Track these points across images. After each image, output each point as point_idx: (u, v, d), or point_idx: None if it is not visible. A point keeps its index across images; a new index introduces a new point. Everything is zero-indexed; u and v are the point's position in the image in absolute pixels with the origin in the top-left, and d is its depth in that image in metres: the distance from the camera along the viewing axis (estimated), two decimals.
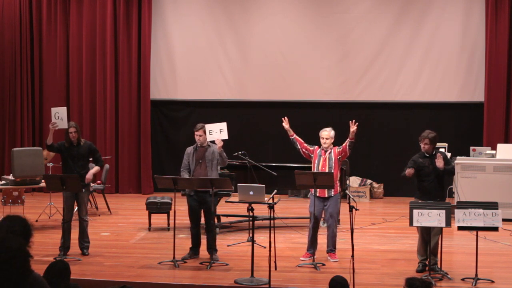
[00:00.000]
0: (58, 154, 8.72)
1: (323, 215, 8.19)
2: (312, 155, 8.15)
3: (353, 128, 7.97)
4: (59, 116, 8.16)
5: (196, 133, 8.18)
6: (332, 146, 8.16)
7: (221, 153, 8.10)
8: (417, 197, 7.67)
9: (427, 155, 7.66)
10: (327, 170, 7.94)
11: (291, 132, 8.29)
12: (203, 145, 8.18)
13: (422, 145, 7.69)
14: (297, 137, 8.30)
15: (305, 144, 8.23)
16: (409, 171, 7.56)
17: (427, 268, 7.37)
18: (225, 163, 8.28)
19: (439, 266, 7.41)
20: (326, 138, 8.10)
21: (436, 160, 7.50)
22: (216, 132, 8.04)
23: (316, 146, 8.20)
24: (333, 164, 8.01)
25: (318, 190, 7.98)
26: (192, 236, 8.30)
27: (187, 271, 7.66)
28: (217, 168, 8.29)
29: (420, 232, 7.55)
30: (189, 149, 8.29)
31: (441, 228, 7.30)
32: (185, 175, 8.13)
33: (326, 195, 8.00)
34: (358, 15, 12.99)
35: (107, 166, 11.77)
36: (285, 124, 8.31)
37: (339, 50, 13.09)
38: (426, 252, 7.48)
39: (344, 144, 8.05)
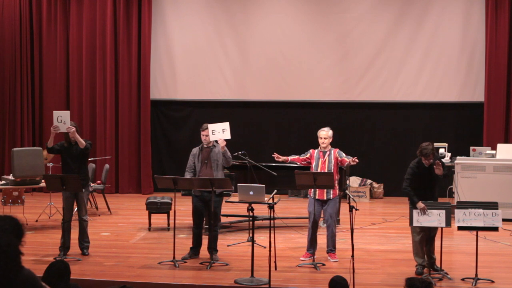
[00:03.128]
0: (58, 154, 8.70)
1: (322, 215, 8.18)
2: (310, 160, 8.12)
3: (354, 162, 7.88)
4: (61, 119, 8.15)
5: (202, 133, 8.18)
6: (330, 146, 8.12)
7: (225, 152, 8.11)
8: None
9: (426, 166, 7.54)
10: None
11: (286, 158, 8.21)
12: (209, 146, 8.18)
13: (426, 161, 7.43)
14: (293, 157, 8.22)
15: (301, 157, 8.17)
16: (422, 207, 7.24)
17: (425, 270, 7.37)
18: (229, 163, 8.27)
19: (438, 265, 7.41)
20: (325, 138, 8.07)
21: (435, 167, 7.38)
22: (219, 132, 8.04)
23: (311, 150, 8.16)
24: (332, 167, 7.98)
25: (317, 193, 7.97)
26: (193, 236, 8.29)
27: (187, 271, 7.66)
28: (222, 168, 8.30)
29: (420, 233, 7.49)
30: (195, 150, 8.29)
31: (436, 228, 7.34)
32: (187, 176, 8.12)
33: (325, 198, 7.99)
34: (358, 15, 12.99)
35: (107, 166, 11.78)
36: (278, 158, 8.21)
37: (339, 50, 13.09)
38: (424, 254, 7.47)
39: (345, 158, 7.95)
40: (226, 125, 8.07)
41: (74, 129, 8.16)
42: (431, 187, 7.48)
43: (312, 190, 7.98)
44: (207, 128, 8.13)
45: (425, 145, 7.41)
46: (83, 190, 8.26)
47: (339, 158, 8.02)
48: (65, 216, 8.25)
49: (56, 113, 8.23)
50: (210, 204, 8.06)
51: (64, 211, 8.28)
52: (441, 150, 11.15)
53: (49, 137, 8.27)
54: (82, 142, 8.16)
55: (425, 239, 7.47)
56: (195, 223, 8.26)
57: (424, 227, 7.35)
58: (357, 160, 7.82)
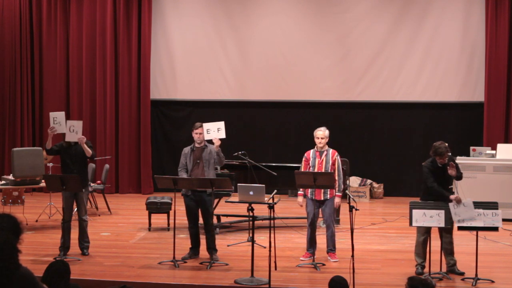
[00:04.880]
0: (57, 155, 8.70)
1: (320, 215, 8.17)
2: (309, 162, 8.07)
3: (336, 205, 8.01)
4: (57, 120, 8.16)
5: (195, 131, 8.15)
6: (327, 146, 8.10)
7: (219, 152, 8.08)
8: (423, 198, 7.56)
9: (440, 165, 7.52)
10: None
11: (300, 194, 8.13)
12: (200, 145, 8.17)
13: (441, 160, 7.41)
14: (301, 189, 8.11)
15: (304, 168, 8.08)
16: (455, 198, 7.25)
17: (424, 271, 7.35)
18: (222, 162, 8.27)
19: (439, 267, 7.41)
20: (321, 138, 8.05)
21: (448, 168, 7.36)
22: (214, 131, 8.02)
23: (305, 154, 8.12)
24: (329, 168, 7.97)
25: (314, 192, 7.97)
26: (191, 236, 8.30)
27: (187, 271, 7.66)
28: (214, 168, 8.29)
29: (423, 233, 7.47)
30: (186, 150, 8.27)
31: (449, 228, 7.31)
32: (183, 175, 8.12)
33: (322, 198, 7.98)
34: (358, 14, 12.99)
35: (107, 166, 11.78)
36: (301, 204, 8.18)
37: (339, 50, 13.09)
38: (425, 255, 7.44)
39: (336, 181, 7.87)
40: (221, 124, 8.04)
41: (84, 139, 8.18)
42: (444, 188, 7.44)
43: (309, 190, 7.97)
44: (200, 127, 8.11)
45: (438, 145, 7.39)
46: (83, 190, 8.26)
47: (334, 167, 7.97)
48: (65, 216, 8.25)
49: (51, 115, 8.25)
50: (203, 203, 8.06)
51: (64, 211, 8.28)
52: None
53: (48, 138, 8.29)
54: (89, 151, 8.23)
55: (428, 241, 7.41)
56: (190, 222, 8.25)
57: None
58: (338, 204, 8.02)
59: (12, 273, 3.32)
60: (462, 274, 7.38)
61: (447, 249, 7.49)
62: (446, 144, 7.47)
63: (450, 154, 7.65)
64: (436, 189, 7.37)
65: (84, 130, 13.04)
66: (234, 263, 7.91)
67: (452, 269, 7.47)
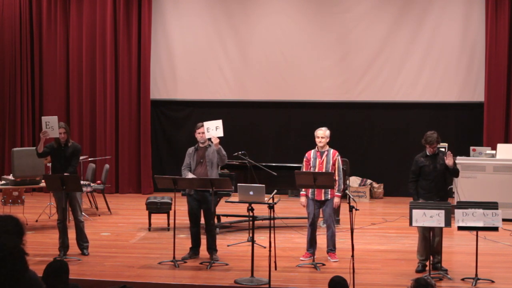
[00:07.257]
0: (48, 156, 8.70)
1: (321, 215, 8.17)
2: (309, 162, 8.07)
3: (335, 205, 7.98)
4: (49, 125, 8.15)
5: (198, 131, 8.17)
6: (328, 146, 8.09)
7: (219, 150, 8.08)
8: (419, 195, 7.61)
9: (429, 154, 7.64)
10: None
11: (303, 195, 8.04)
12: (204, 145, 8.18)
13: (430, 149, 7.57)
14: (304, 190, 8.06)
15: (305, 168, 8.08)
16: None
17: (426, 268, 7.37)
18: (223, 161, 8.26)
19: (443, 265, 7.41)
20: (322, 137, 8.04)
21: (446, 157, 7.45)
22: (212, 129, 8.03)
23: (306, 154, 8.14)
24: (330, 168, 7.97)
25: (315, 193, 7.97)
26: (191, 236, 8.29)
27: (187, 271, 7.66)
28: (217, 167, 8.29)
29: (422, 232, 7.53)
30: (190, 150, 8.29)
31: (441, 228, 7.31)
32: (187, 173, 8.12)
33: (323, 198, 7.98)
34: (358, 14, 13.00)
35: (107, 166, 11.77)
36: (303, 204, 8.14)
37: (339, 50, 13.10)
38: (426, 253, 7.47)
39: (336, 182, 7.86)
40: (219, 123, 8.05)
41: (49, 134, 8.12)
42: (440, 181, 7.51)
43: (310, 190, 7.97)
44: (202, 126, 8.13)
45: (430, 133, 7.60)
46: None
47: (334, 167, 7.97)
48: (59, 217, 8.23)
49: (44, 119, 8.25)
50: (205, 203, 8.05)
51: (58, 211, 8.27)
52: (441, 150, 11.13)
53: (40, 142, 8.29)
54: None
55: (429, 238, 7.43)
56: (191, 222, 8.25)
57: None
58: (338, 204, 8.02)
59: (21, 276, 3.33)
60: (445, 271, 7.36)
61: (436, 248, 7.50)
62: (438, 134, 7.58)
63: (443, 148, 7.75)
64: (410, 187, 7.68)
65: (84, 130, 13.27)
66: (234, 263, 7.91)
67: (436, 266, 7.46)
